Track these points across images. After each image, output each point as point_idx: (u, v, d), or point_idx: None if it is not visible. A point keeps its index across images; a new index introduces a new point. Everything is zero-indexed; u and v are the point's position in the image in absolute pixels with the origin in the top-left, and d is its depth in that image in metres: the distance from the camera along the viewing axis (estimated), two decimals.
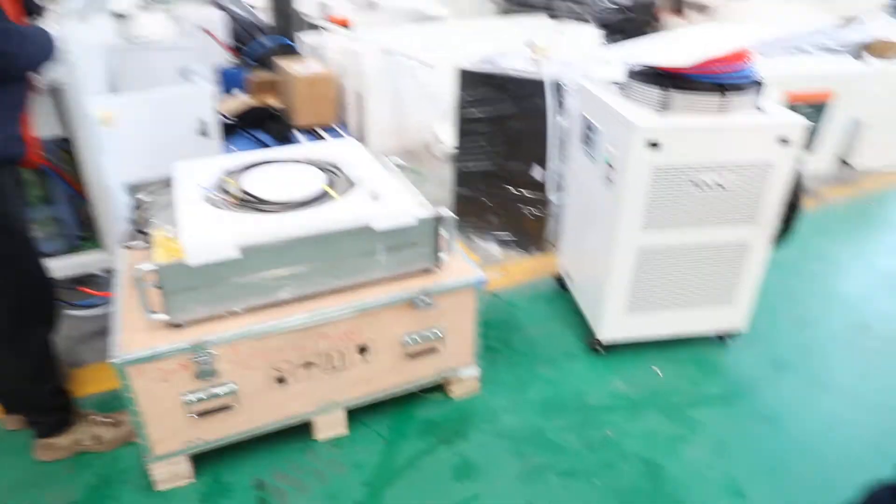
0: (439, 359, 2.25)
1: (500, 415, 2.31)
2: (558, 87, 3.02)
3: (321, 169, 2.28)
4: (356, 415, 2.22)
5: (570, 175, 2.89)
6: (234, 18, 5.63)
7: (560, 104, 3.04)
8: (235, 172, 2.25)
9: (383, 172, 2.26)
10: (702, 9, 6.19)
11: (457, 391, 2.38)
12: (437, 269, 2.17)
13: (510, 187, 3.36)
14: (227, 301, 1.91)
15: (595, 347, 2.63)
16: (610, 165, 2.34)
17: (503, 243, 3.47)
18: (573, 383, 2.47)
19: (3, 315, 1.84)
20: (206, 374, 1.87)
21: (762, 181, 2.28)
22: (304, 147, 2.56)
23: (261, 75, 5.35)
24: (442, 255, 2.15)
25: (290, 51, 5.56)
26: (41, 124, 2.26)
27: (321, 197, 2.08)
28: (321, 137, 4.46)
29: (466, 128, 3.39)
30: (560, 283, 3.09)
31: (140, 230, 2.13)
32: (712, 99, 2.19)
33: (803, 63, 4.34)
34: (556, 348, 2.67)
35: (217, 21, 5.09)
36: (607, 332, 2.56)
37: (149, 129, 2.97)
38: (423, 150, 4.85)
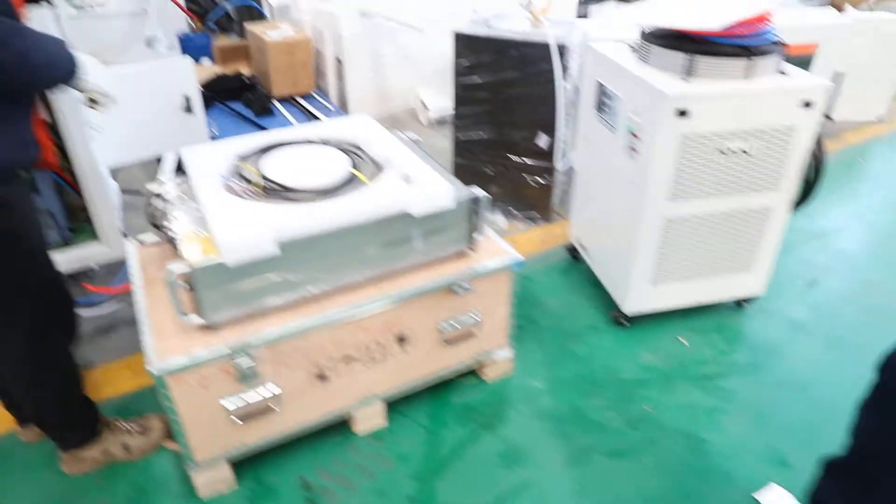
0: (476, 343, 2.19)
1: (537, 395, 2.27)
2: (562, 51, 2.93)
3: (341, 150, 2.16)
4: (392, 405, 2.15)
5: (581, 143, 2.82)
6: None
7: (564, 68, 2.95)
8: (250, 157, 2.11)
9: (406, 151, 2.15)
10: None
11: (491, 374, 2.33)
12: (471, 251, 2.09)
13: (513, 156, 3.28)
14: (260, 299, 1.80)
15: (619, 320, 2.61)
16: (633, 134, 2.28)
17: (508, 214, 3.40)
18: (603, 358, 2.45)
19: (22, 339, 1.66)
20: (248, 377, 1.77)
21: (786, 146, 2.26)
22: (315, 125, 2.42)
23: (228, 42, 5.08)
24: (476, 236, 2.07)
25: (255, 13, 5.30)
26: None
27: (351, 182, 1.97)
28: (303, 107, 4.27)
29: (465, 95, 3.28)
30: (572, 253, 3.04)
31: (155, 224, 1.98)
32: (739, 63, 2.14)
33: (788, 16, 4.32)
34: (580, 322, 2.64)
35: None
36: (632, 304, 2.53)
37: (128, 108, 2.76)
38: (408, 117, 4.70)
